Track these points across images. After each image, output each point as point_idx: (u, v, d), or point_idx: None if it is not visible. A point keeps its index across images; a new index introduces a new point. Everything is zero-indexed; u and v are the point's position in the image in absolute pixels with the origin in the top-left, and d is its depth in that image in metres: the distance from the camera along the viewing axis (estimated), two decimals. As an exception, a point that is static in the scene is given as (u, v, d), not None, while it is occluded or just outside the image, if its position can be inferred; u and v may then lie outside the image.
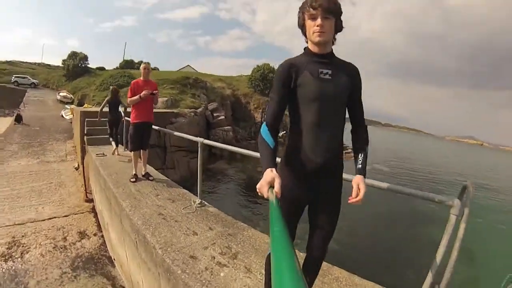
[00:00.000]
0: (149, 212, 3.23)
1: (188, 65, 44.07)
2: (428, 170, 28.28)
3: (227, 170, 15.32)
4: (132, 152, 4.53)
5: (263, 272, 2.17)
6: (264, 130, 1.44)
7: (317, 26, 1.39)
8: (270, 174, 1.21)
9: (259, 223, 9.19)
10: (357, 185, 1.44)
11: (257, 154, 2.87)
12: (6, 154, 10.31)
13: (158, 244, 2.56)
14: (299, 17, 1.49)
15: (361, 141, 1.60)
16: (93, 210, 6.53)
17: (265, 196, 1.11)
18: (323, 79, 1.44)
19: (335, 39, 1.49)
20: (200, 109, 16.93)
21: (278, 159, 1.52)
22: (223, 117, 19.51)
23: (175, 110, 14.30)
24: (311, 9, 1.39)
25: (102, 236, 5.52)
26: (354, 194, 1.43)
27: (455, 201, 1.70)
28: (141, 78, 4.43)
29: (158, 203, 3.56)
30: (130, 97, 4.28)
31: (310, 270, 1.69)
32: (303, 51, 1.54)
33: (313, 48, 1.48)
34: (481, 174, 32.77)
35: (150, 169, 5.01)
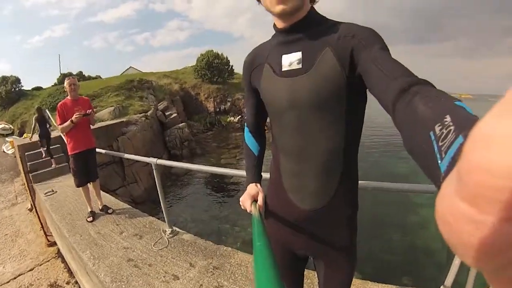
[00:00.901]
0: (116, 261, 2.73)
1: (131, 66, 41.94)
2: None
3: (191, 170, 14.67)
4: (81, 188, 3.90)
5: None
6: (246, 134, 1.18)
7: None
8: (253, 187, 1.02)
9: (243, 236, 8.58)
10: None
11: (212, 169, 2.47)
12: None
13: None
14: None
15: (434, 99, 0.56)
16: (59, 254, 5.86)
17: (248, 210, 0.95)
18: (289, 73, 0.87)
19: None
20: (150, 112, 15.95)
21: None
22: (175, 114, 18.64)
23: (124, 119, 13.30)
24: None
25: (76, 282, 4.94)
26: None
27: None
28: (69, 97, 3.66)
29: (124, 244, 3.05)
30: (60, 124, 3.53)
31: None
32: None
33: (277, 23, 0.90)
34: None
35: (108, 199, 4.43)
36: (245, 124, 1.18)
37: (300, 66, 0.84)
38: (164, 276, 2.42)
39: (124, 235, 3.27)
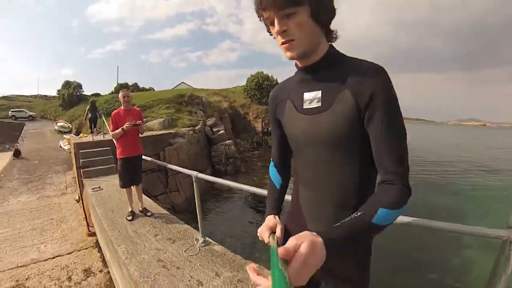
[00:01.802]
0: (147, 259, 2.89)
1: (183, 82, 44.30)
2: (446, 161, 26.73)
3: (233, 189, 14.88)
4: (124, 189, 4.20)
5: None
6: (271, 168, 1.24)
7: (277, 33, 0.85)
8: (272, 219, 1.02)
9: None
10: (295, 245, 0.97)
11: (251, 188, 2.57)
12: (6, 191, 10.04)
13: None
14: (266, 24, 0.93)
15: (381, 195, 0.79)
16: (97, 244, 6.22)
17: (266, 242, 0.95)
18: (309, 111, 0.93)
19: (331, 34, 0.90)
20: (198, 126, 16.65)
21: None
22: (223, 131, 19.24)
23: (172, 131, 14.00)
24: (261, 11, 0.87)
25: (108, 272, 5.21)
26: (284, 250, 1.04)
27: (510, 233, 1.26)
28: (122, 107, 4.08)
29: (157, 245, 3.22)
30: (113, 130, 3.95)
31: None
32: None
33: (298, 61, 0.95)
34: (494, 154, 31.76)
35: (148, 203, 4.68)
36: (272, 158, 1.24)
37: (319, 104, 0.90)
38: (189, 281, 2.51)
39: (158, 237, 3.44)
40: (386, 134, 0.80)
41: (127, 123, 3.83)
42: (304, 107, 0.94)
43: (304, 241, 0.59)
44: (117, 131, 3.87)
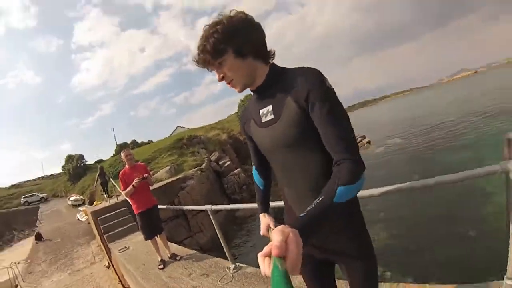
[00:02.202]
0: (187, 298, 3.06)
1: (178, 126, 45.02)
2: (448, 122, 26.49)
3: (254, 212, 14.92)
4: (149, 240, 4.40)
5: None
6: (254, 173, 1.46)
7: (219, 80, 1.08)
8: (264, 220, 1.32)
9: None
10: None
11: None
12: (37, 275, 10.20)
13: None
14: None
15: (333, 179, 0.89)
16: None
17: (269, 237, 1.00)
18: (266, 123, 1.10)
19: (267, 57, 1.08)
20: (204, 164, 16.95)
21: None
22: (229, 162, 19.54)
23: (180, 175, 14.29)
24: (201, 67, 1.06)
25: None
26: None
27: (510, 164, 1.35)
28: (127, 166, 4.36)
29: (193, 283, 3.38)
30: (124, 189, 4.20)
31: None
32: None
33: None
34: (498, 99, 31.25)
35: (175, 248, 4.86)
36: (252, 163, 1.44)
37: (272, 116, 1.06)
38: (230, 305, 2.70)
39: (192, 276, 3.60)
40: (327, 121, 0.93)
41: (136, 179, 4.09)
42: (262, 121, 1.11)
43: (289, 234, 0.65)
44: (128, 189, 4.12)
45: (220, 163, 19.30)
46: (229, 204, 15.39)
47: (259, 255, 0.66)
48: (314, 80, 0.95)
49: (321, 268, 1.23)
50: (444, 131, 22.26)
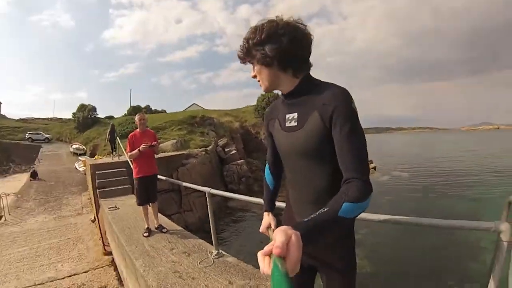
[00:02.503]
0: (164, 271, 3.06)
1: (194, 103, 44.93)
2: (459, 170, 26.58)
3: (247, 206, 14.91)
4: (141, 206, 4.42)
5: None
6: (266, 170, 1.49)
7: (252, 77, 1.19)
8: (266, 218, 1.35)
9: None
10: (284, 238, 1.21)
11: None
12: (23, 211, 10.40)
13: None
14: None
15: (341, 194, 0.93)
16: (113, 263, 6.38)
17: (268, 235, 1.18)
18: (289, 128, 1.16)
19: (299, 70, 1.11)
20: (210, 147, 16.98)
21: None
22: (234, 151, 19.54)
23: (185, 152, 14.34)
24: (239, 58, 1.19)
25: None
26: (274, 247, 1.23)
27: (503, 225, 1.38)
28: (138, 130, 4.38)
29: (173, 258, 3.39)
30: (130, 151, 4.22)
31: None
32: None
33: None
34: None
35: (164, 220, 4.88)
36: (266, 162, 1.47)
37: (296, 124, 1.13)
38: (204, 289, 2.71)
39: (174, 251, 3.62)
40: (346, 139, 0.98)
41: (143, 144, 4.12)
42: (286, 125, 1.17)
43: (291, 236, 0.68)
44: (134, 152, 4.14)
45: (226, 150, 19.32)
46: (225, 190, 15.46)
47: (260, 254, 0.68)
48: (342, 99, 1.01)
49: (305, 274, 1.28)
50: (452, 177, 22.01)
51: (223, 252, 3.53)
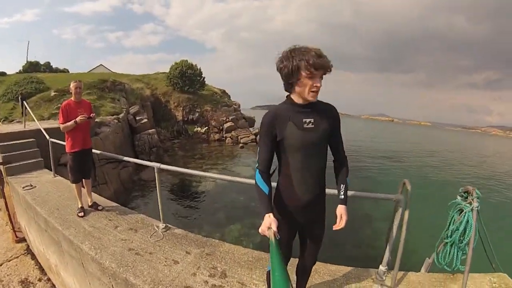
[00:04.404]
0: (118, 251, 3.06)
1: (101, 64, 40.33)
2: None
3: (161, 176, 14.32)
4: (74, 184, 4.14)
5: (257, 283, 2.51)
6: (258, 178, 1.66)
7: (316, 86, 1.49)
8: (268, 219, 1.51)
9: (222, 231, 9.30)
10: (340, 215, 1.75)
11: (215, 175, 3.15)
12: None
13: (147, 284, 2.49)
14: (291, 69, 1.47)
15: (343, 173, 1.81)
16: (28, 251, 5.80)
17: (267, 236, 1.41)
18: (307, 129, 1.59)
19: None
20: (122, 115, 15.88)
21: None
22: (146, 120, 18.71)
23: (97, 120, 13.20)
24: (312, 69, 1.43)
25: (49, 279, 4.99)
26: (338, 222, 1.75)
27: (399, 197, 2.34)
28: (72, 99, 4.01)
29: (121, 236, 3.38)
30: (63, 123, 3.86)
31: (304, 274, 2.12)
32: (285, 98, 1.66)
33: (298, 100, 1.60)
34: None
35: (95, 196, 4.66)
36: (258, 168, 1.68)
37: (312, 126, 1.61)
38: (165, 261, 2.84)
39: (119, 229, 3.59)
40: (339, 139, 1.78)
41: (81, 115, 3.83)
42: (304, 126, 1.60)
43: (343, 213, 1.72)
44: (70, 123, 3.81)
45: (137, 118, 18.35)
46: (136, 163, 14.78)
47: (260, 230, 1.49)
48: (337, 114, 1.73)
49: (292, 233, 1.87)
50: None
51: (169, 225, 3.65)
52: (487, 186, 17.59)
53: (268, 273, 2.01)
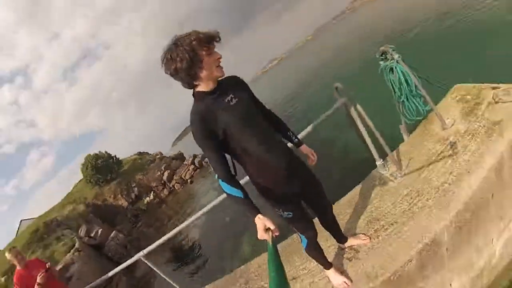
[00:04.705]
0: None
1: (22, 219, 34.95)
2: None
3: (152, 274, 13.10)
4: None
5: (307, 266, 2.42)
6: (225, 187, 1.51)
7: (218, 58, 1.45)
8: (260, 221, 1.37)
9: (237, 256, 8.80)
10: (309, 152, 1.98)
11: (197, 214, 2.92)
12: None
13: None
14: (188, 55, 1.35)
15: (281, 125, 1.91)
16: None
17: (267, 239, 1.28)
18: (234, 106, 1.52)
19: None
20: (77, 244, 14.00)
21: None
22: (101, 230, 17.58)
23: (60, 266, 11.65)
24: (207, 44, 1.39)
25: None
26: (312, 157, 1.98)
27: (342, 99, 2.50)
28: (19, 268, 3.43)
29: None
30: None
31: (334, 223, 2.16)
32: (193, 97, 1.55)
33: (208, 86, 1.50)
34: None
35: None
36: (219, 177, 1.51)
37: (236, 99, 1.55)
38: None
39: None
40: (260, 102, 1.80)
41: (39, 274, 3.27)
42: (230, 105, 1.52)
43: (307, 150, 2.03)
44: None
45: (91, 235, 16.95)
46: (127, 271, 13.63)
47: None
48: (243, 80, 1.73)
49: (296, 199, 1.81)
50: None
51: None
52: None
53: (307, 250, 2.02)
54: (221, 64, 1.47)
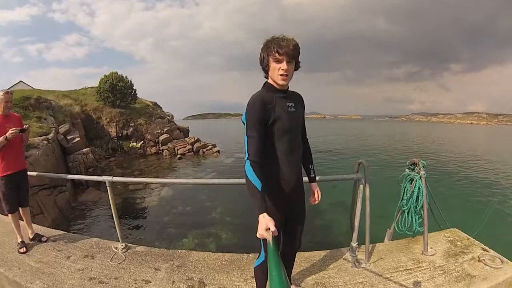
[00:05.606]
0: (77, 283, 2.71)
1: (21, 81, 35.74)
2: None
3: (101, 199, 13.01)
4: (10, 215, 3.52)
5: (238, 284, 2.49)
6: (249, 171, 1.54)
7: (282, 69, 1.62)
8: (263, 220, 1.34)
9: (184, 239, 8.76)
10: (315, 191, 2.08)
11: (171, 180, 3.15)
12: None
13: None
14: (262, 56, 1.69)
15: (308, 155, 2.07)
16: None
17: (267, 239, 1.27)
18: (291, 112, 1.74)
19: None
20: (51, 135, 14.37)
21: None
22: (78, 139, 17.23)
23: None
24: (276, 54, 1.60)
25: None
26: (316, 197, 2.08)
27: (359, 175, 2.64)
28: (0, 113, 3.35)
29: (77, 266, 3.01)
30: None
31: (292, 259, 2.22)
32: (263, 85, 1.78)
33: (276, 85, 1.72)
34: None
35: (37, 228, 4.10)
36: (248, 158, 1.58)
37: (294, 110, 1.78)
38: (135, 283, 2.62)
39: (72, 259, 3.20)
40: (304, 124, 1.99)
41: (13, 129, 3.24)
42: (288, 110, 1.74)
43: (317, 189, 2.11)
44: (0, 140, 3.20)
45: (68, 137, 16.79)
46: (72, 186, 13.54)
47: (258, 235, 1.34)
48: (303, 101, 1.95)
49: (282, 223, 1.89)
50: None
51: (129, 244, 3.42)
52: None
53: (256, 268, 2.04)
54: (283, 74, 1.64)
